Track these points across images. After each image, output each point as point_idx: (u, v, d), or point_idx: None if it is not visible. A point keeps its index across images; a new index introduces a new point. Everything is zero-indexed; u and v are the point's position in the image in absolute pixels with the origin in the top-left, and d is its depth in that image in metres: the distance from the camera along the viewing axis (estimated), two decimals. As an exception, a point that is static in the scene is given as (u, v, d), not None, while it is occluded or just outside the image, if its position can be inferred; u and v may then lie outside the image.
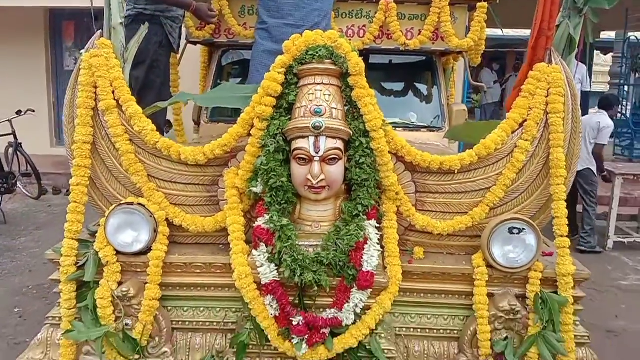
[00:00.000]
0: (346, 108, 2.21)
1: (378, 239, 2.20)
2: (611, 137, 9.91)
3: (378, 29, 3.38)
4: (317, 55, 2.14)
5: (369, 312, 2.19)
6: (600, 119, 5.59)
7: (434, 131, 3.47)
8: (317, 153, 2.10)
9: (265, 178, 2.15)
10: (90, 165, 2.29)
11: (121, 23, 2.34)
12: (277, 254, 2.12)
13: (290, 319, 2.13)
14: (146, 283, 2.25)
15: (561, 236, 2.24)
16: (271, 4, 3.00)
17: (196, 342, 2.32)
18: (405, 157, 2.26)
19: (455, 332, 2.34)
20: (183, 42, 3.70)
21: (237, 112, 2.80)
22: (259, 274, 2.12)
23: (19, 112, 6.52)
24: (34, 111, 6.67)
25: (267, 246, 2.13)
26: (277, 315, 2.14)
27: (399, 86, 3.90)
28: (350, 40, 2.42)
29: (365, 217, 2.18)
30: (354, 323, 2.17)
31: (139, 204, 2.27)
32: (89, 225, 2.43)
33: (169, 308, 2.33)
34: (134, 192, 2.34)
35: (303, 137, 2.11)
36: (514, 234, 2.24)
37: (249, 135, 2.21)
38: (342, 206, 2.22)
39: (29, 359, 2.33)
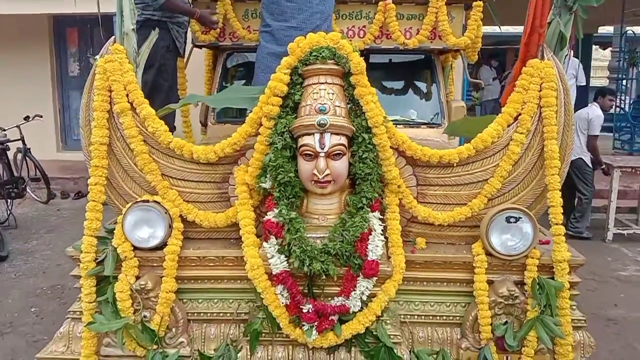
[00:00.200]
0: (349, 106, 2.29)
1: (382, 230, 2.28)
2: (610, 131, 9.99)
3: (378, 29, 3.46)
4: (321, 56, 2.23)
5: (374, 299, 2.28)
6: (590, 110, 5.69)
7: (433, 127, 3.53)
8: (322, 149, 2.18)
9: (274, 174, 2.24)
10: (106, 166, 2.37)
11: (133, 29, 2.42)
12: (286, 245, 2.20)
13: (300, 307, 2.22)
14: (162, 277, 2.32)
15: (556, 224, 2.30)
16: (274, 8, 3.08)
17: (211, 332, 2.40)
18: (406, 152, 2.34)
19: (457, 318, 2.41)
20: (189, 46, 3.78)
21: (242, 114, 2.88)
22: (269, 265, 2.21)
23: (27, 118, 6.54)
24: (41, 117, 6.71)
25: (277, 238, 2.22)
26: (288, 303, 2.23)
27: (399, 84, 3.97)
28: (351, 40, 2.51)
29: (369, 209, 2.26)
30: (360, 310, 2.26)
31: (155, 201, 2.34)
32: (105, 224, 2.50)
33: (185, 300, 2.41)
34: (148, 191, 2.42)
35: (309, 134, 2.20)
36: (511, 222, 2.30)
37: (257, 133, 2.30)
38: (347, 199, 2.31)
39: (52, 351, 2.42)
